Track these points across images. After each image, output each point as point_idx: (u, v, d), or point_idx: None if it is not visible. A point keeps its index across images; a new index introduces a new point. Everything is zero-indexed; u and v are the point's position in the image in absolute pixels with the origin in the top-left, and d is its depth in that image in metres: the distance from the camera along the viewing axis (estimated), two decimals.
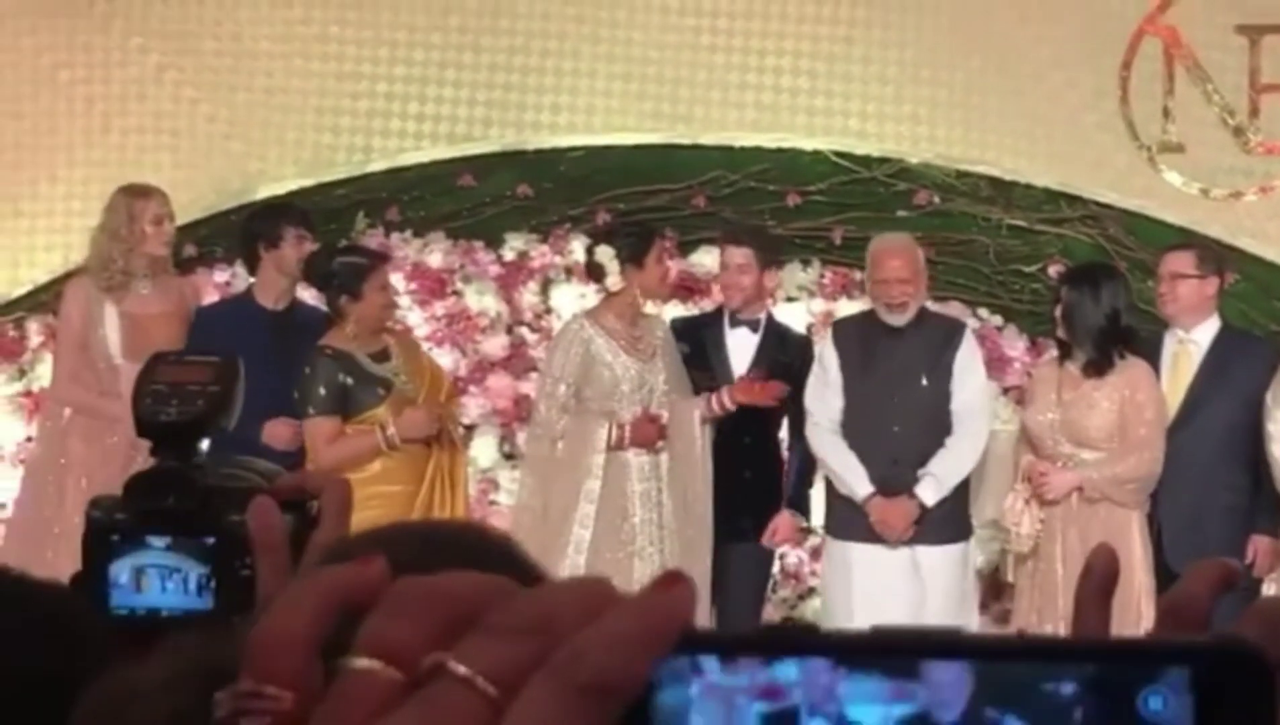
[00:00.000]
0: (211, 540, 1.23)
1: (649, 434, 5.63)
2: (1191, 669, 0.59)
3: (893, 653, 0.57)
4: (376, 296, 5.61)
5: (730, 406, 5.72)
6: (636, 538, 5.57)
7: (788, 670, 0.56)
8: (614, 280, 5.76)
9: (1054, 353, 5.94)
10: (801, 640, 0.57)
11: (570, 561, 5.50)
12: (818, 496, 6.29)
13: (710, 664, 0.56)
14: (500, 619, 0.57)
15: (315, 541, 1.11)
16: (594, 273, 5.94)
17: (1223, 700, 0.59)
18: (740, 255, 6.04)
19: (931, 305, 7.15)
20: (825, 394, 5.94)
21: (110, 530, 1.26)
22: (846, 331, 6.13)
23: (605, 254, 5.80)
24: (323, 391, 5.52)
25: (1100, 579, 0.82)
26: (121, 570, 1.25)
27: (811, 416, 5.94)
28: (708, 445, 5.75)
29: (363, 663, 0.58)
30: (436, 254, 7.84)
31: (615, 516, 5.56)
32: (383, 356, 5.65)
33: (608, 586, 0.58)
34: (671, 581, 0.58)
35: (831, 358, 5.98)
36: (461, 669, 0.56)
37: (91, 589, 1.24)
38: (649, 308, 6.03)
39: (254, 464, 1.31)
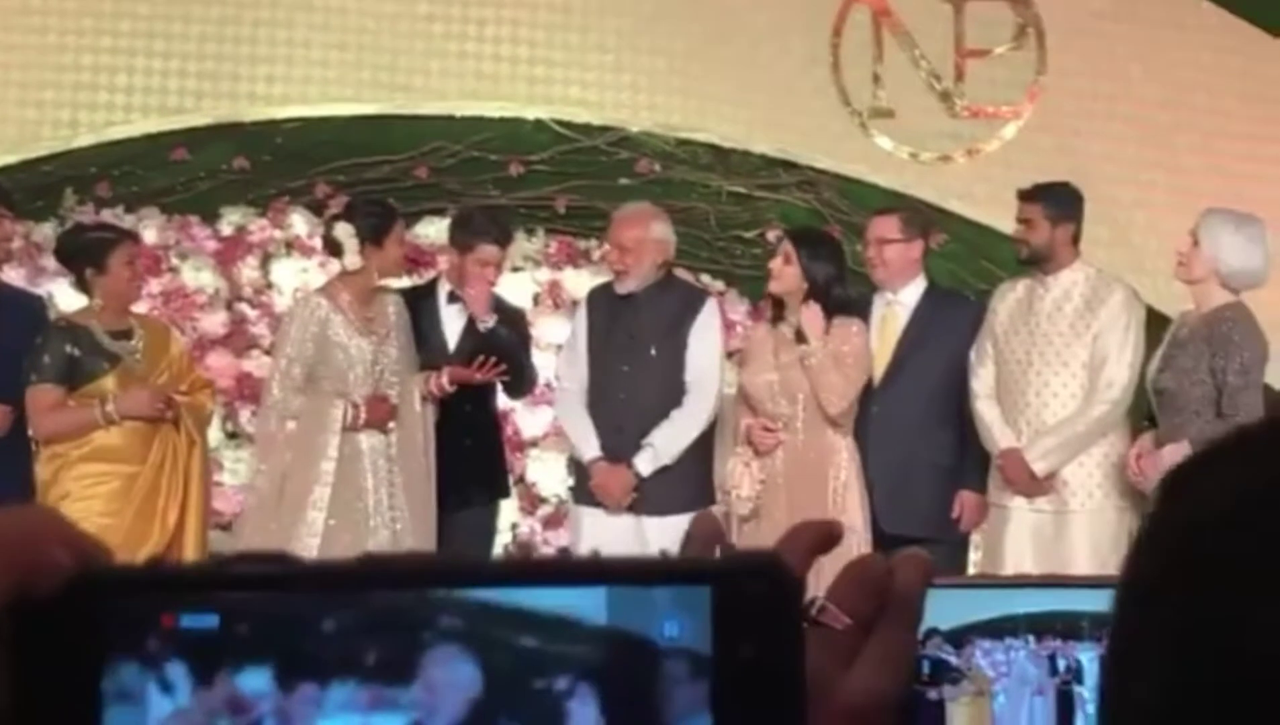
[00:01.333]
0: None
1: (382, 413, 5.57)
2: (712, 588, 0.57)
3: (360, 583, 0.54)
4: (122, 271, 5.55)
5: (449, 388, 5.69)
6: (370, 517, 5.50)
7: (257, 681, 0.53)
8: (351, 259, 5.67)
9: (769, 315, 6.02)
10: (234, 575, 0.54)
11: (304, 544, 5.41)
12: (555, 471, 6.34)
13: (179, 677, 0.53)
14: None
15: None
16: (332, 250, 5.83)
17: (745, 617, 0.57)
18: (500, 255, 6.03)
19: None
20: (573, 361, 5.99)
21: None
22: (596, 300, 6.14)
23: (344, 231, 5.71)
24: (47, 360, 5.44)
25: (701, 541, 0.83)
26: None
27: (559, 382, 6.04)
28: (429, 422, 5.72)
29: None
30: (151, 230, 7.62)
31: (350, 497, 5.49)
32: (125, 335, 5.56)
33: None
34: None
35: (581, 325, 6.03)
36: None
37: None
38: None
39: None
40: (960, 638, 0.80)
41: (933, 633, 0.80)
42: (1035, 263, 5.64)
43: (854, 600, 0.76)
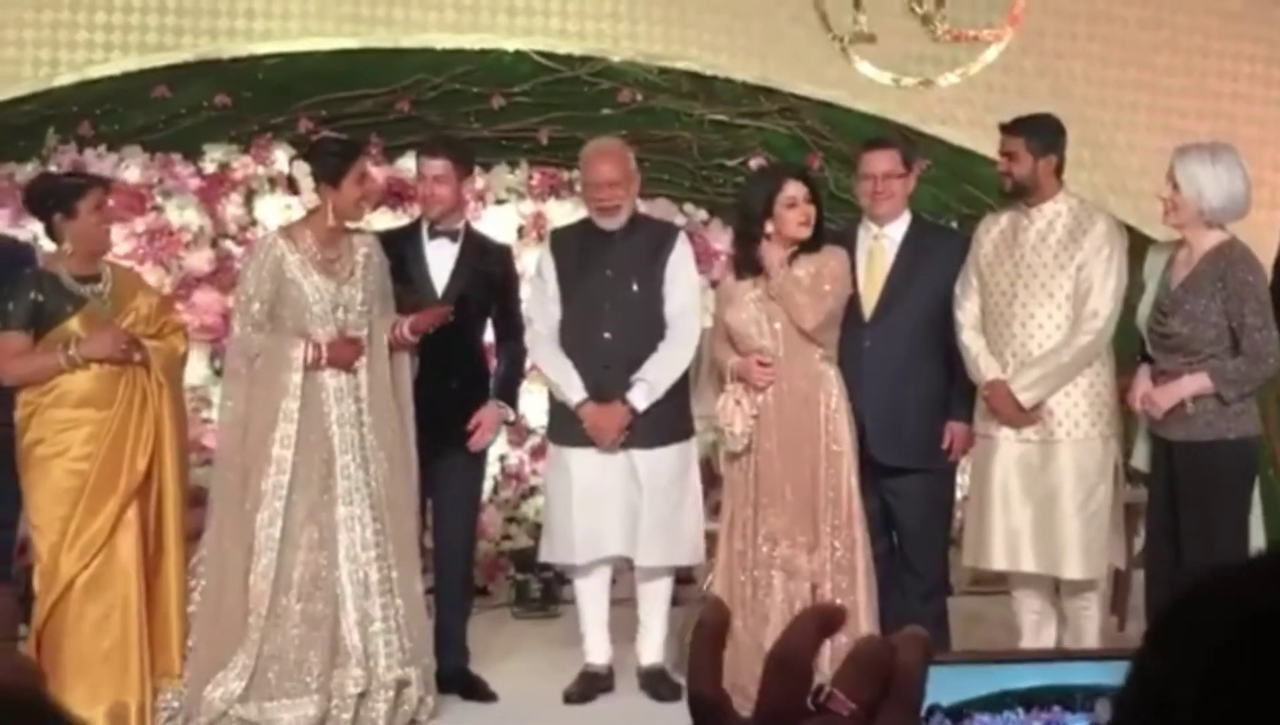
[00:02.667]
0: None
1: (346, 355, 5.49)
2: None
3: None
4: (91, 217, 5.50)
5: (411, 338, 5.62)
6: (337, 457, 5.48)
7: None
8: (309, 197, 5.65)
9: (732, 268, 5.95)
10: None
11: (273, 481, 5.42)
12: (540, 402, 6.34)
13: None
14: None
15: None
16: (292, 187, 5.83)
17: None
18: (438, 166, 5.98)
19: (641, 204, 7.23)
20: (544, 303, 5.98)
21: None
22: (563, 240, 6.15)
23: (302, 170, 5.69)
24: (12, 307, 5.43)
25: (711, 629, 0.87)
26: None
27: (532, 325, 6.01)
28: (403, 365, 5.68)
29: None
30: (134, 169, 7.62)
31: (315, 436, 5.46)
32: (93, 280, 5.54)
33: None
34: None
35: (549, 267, 6.02)
36: None
37: None
38: (360, 222, 5.93)
39: None
40: (961, 713, 0.85)
41: (935, 709, 0.85)
42: (1019, 195, 5.66)
43: (858, 685, 0.81)
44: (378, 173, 7.73)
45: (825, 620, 0.84)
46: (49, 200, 5.55)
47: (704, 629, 0.86)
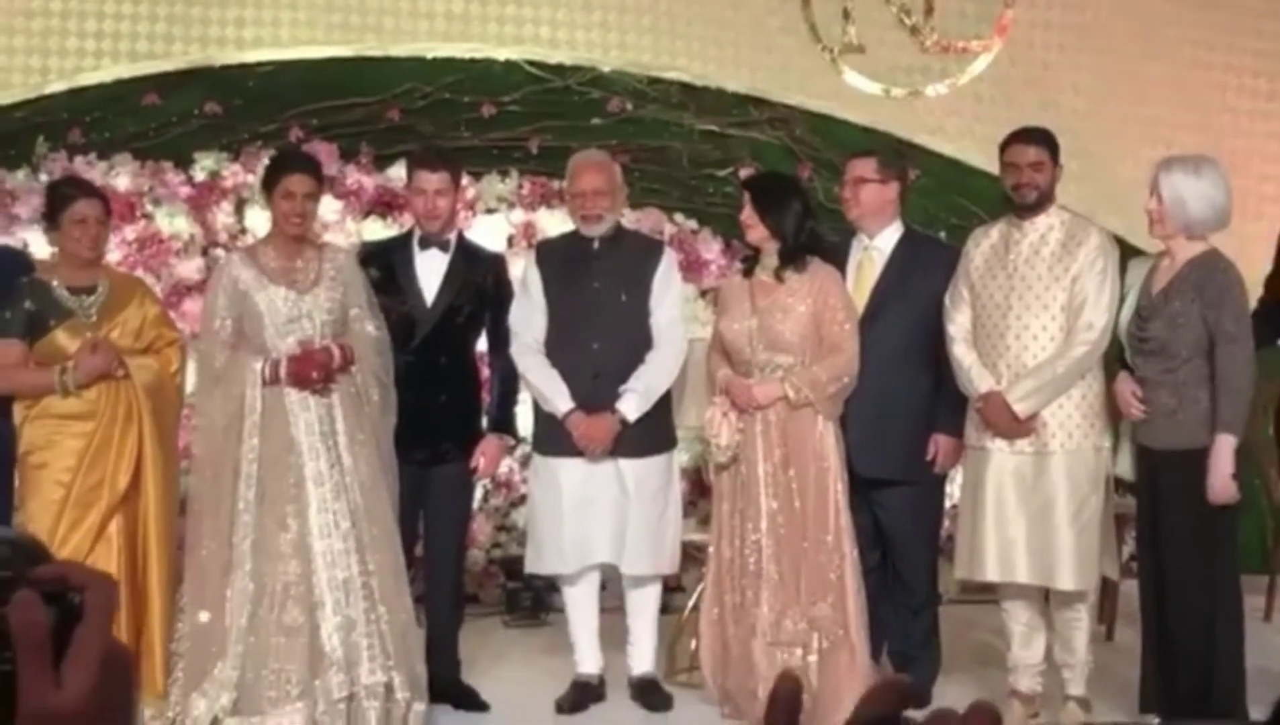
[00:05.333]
0: None
1: (307, 370, 5.39)
2: None
3: None
4: (72, 230, 5.48)
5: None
6: (307, 464, 5.45)
7: None
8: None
9: (740, 266, 6.06)
10: None
11: (242, 495, 5.40)
12: (525, 412, 6.33)
13: None
14: None
15: (79, 638, 1.09)
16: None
17: None
18: (437, 180, 5.97)
19: (629, 213, 7.25)
20: (529, 313, 5.97)
21: None
22: (549, 251, 6.17)
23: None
24: (8, 316, 5.45)
25: (786, 704, 0.88)
26: None
27: (517, 337, 5.97)
28: (367, 372, 5.59)
29: None
30: (124, 176, 7.61)
31: (280, 447, 5.42)
32: (86, 291, 5.52)
33: None
34: None
35: (534, 278, 6.01)
36: None
37: None
38: (339, 234, 5.89)
39: None
40: None
41: None
42: (1039, 206, 5.66)
43: None
44: (368, 182, 7.74)
45: (906, 694, 0.86)
46: (45, 211, 5.60)
47: (779, 704, 0.87)
